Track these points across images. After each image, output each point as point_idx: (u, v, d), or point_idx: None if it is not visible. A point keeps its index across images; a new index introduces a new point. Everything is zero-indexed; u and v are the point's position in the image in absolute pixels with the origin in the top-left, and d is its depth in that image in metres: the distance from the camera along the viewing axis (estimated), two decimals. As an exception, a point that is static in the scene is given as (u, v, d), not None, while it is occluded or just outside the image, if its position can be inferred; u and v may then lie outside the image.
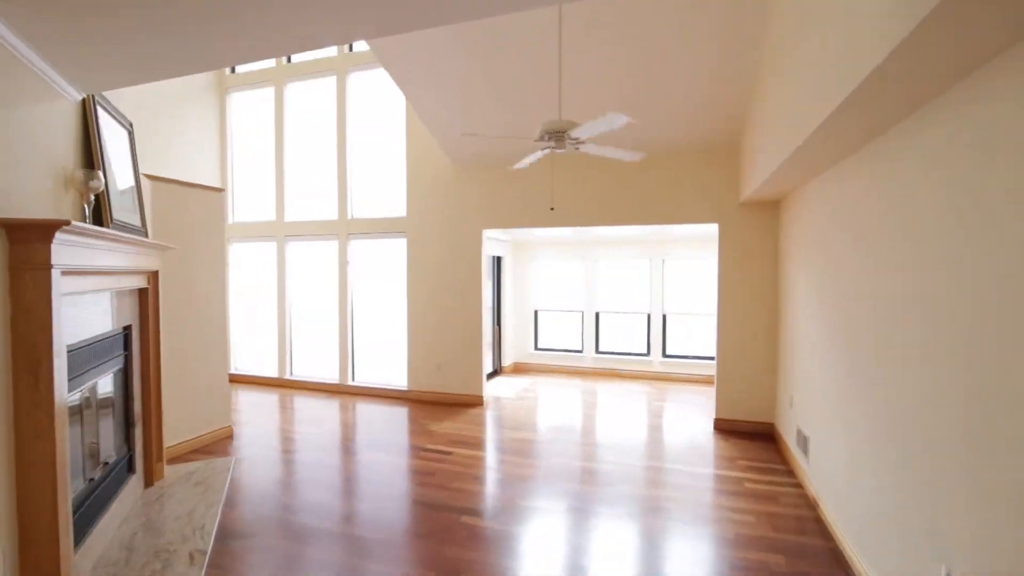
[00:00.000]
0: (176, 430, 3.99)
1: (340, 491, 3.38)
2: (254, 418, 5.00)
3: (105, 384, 2.81)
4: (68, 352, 2.26)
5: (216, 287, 4.33)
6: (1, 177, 1.93)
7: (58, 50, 2.00)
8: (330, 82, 6.10)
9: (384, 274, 6.01)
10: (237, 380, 6.58)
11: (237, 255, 6.65)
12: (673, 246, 6.80)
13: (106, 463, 2.76)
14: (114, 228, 2.60)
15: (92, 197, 2.37)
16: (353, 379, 6.10)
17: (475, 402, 5.47)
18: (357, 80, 5.97)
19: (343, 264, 6.01)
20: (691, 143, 4.56)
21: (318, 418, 5.03)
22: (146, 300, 3.33)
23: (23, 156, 2.05)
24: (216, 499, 3.19)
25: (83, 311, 2.39)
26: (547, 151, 3.13)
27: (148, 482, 3.36)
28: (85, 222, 2.36)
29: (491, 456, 4.02)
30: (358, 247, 6.08)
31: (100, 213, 2.51)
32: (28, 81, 2.08)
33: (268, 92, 6.42)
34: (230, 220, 6.63)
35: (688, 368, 6.68)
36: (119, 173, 2.79)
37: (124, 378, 3.11)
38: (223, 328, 4.40)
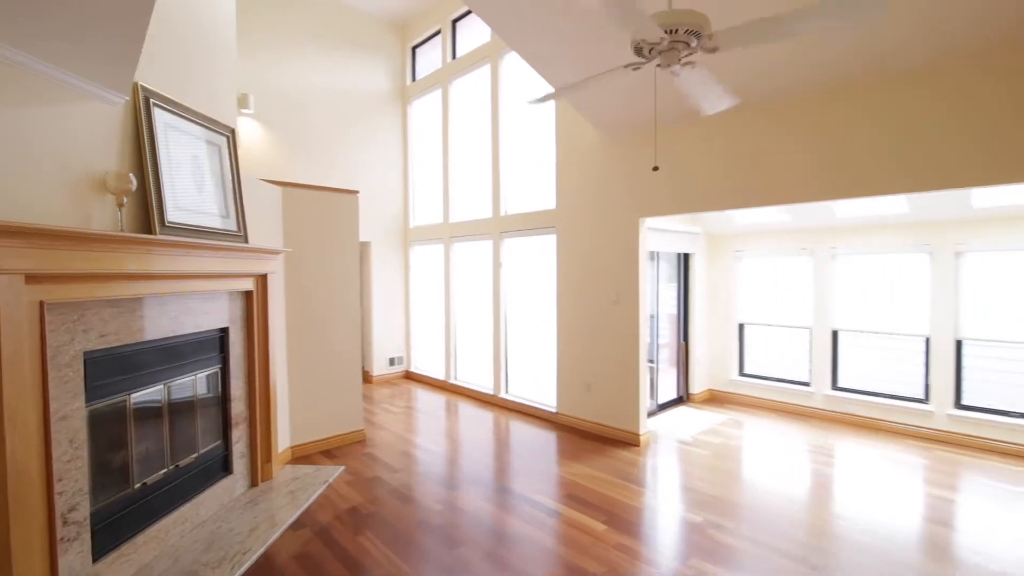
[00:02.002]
0: (304, 430, 4.08)
1: (418, 547, 2.80)
2: (395, 423, 4.91)
3: (184, 386, 2.85)
4: (95, 359, 2.24)
5: (350, 289, 4.32)
6: (20, 180, 1.93)
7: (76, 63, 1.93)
8: (484, 72, 5.71)
9: (536, 276, 5.29)
10: (413, 378, 6.82)
11: (417, 258, 6.89)
12: (975, 229, 4.16)
13: (177, 465, 2.78)
14: (168, 232, 2.55)
15: (124, 199, 2.33)
16: (506, 391, 5.57)
17: (629, 441, 4.26)
18: (509, 65, 5.42)
19: (496, 265, 5.54)
20: (1003, 35, 2.47)
21: (455, 434, 4.63)
22: (251, 303, 3.38)
23: (49, 159, 2.05)
24: (287, 517, 2.99)
25: (120, 315, 2.36)
26: (641, 66, 1.91)
27: (253, 482, 3.41)
28: (120, 225, 2.32)
29: (620, 539, 2.88)
30: (510, 246, 5.52)
31: (150, 217, 2.49)
32: (56, 88, 2.08)
33: (437, 96, 6.44)
34: (411, 224, 6.91)
35: (1001, 431, 3.98)
36: (186, 176, 2.79)
37: (221, 379, 3.18)
38: (355, 330, 4.37)
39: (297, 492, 3.33)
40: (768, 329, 5.43)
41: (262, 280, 3.45)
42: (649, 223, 4.52)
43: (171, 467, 2.74)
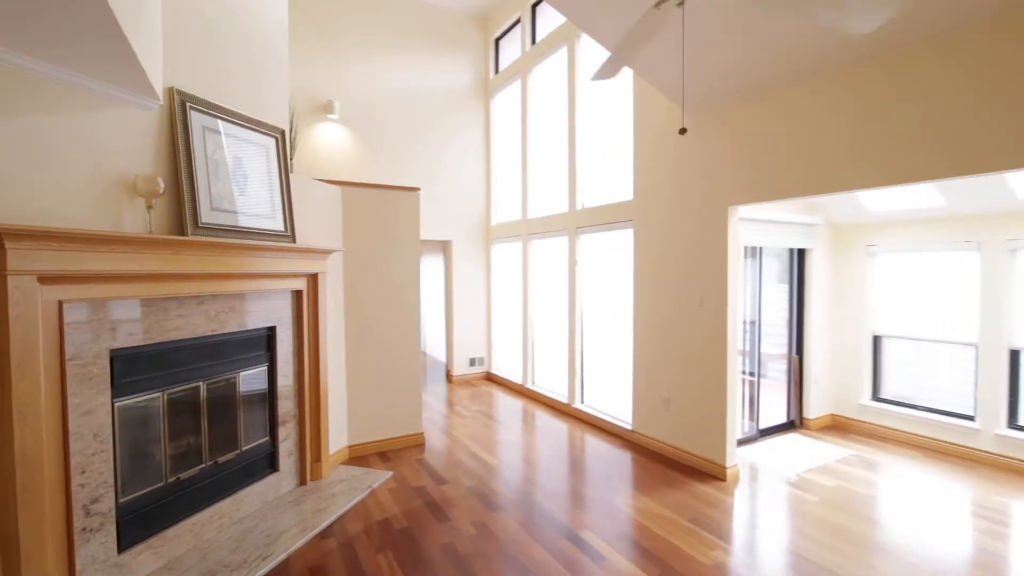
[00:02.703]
0: (361, 431, 4.06)
1: None
2: (460, 428, 4.73)
3: (225, 383, 2.91)
4: (123, 356, 2.32)
5: (410, 289, 4.22)
6: (50, 185, 2.04)
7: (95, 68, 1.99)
8: (561, 56, 5.30)
9: (612, 275, 4.76)
10: (493, 380, 6.63)
11: (498, 257, 6.70)
12: None
13: (216, 462, 2.84)
14: (201, 233, 2.59)
15: (153, 202, 2.38)
16: (581, 401, 5.11)
17: (713, 473, 3.58)
18: (585, 47, 4.94)
19: (571, 264, 5.10)
20: None
21: (518, 445, 4.31)
22: (301, 302, 3.39)
23: (79, 164, 2.15)
24: (319, 523, 2.92)
25: (151, 314, 2.43)
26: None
27: (302, 480, 3.43)
28: (149, 227, 2.38)
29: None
30: (586, 243, 5.04)
31: (183, 218, 2.54)
32: (83, 96, 2.17)
33: (517, 87, 6.15)
34: (493, 221, 6.74)
35: None
36: (226, 177, 2.82)
37: (269, 377, 3.22)
38: (415, 332, 4.26)
39: (339, 496, 3.27)
40: (914, 344, 4.28)
41: (313, 280, 3.46)
42: (744, 212, 3.77)
43: (209, 463, 2.80)
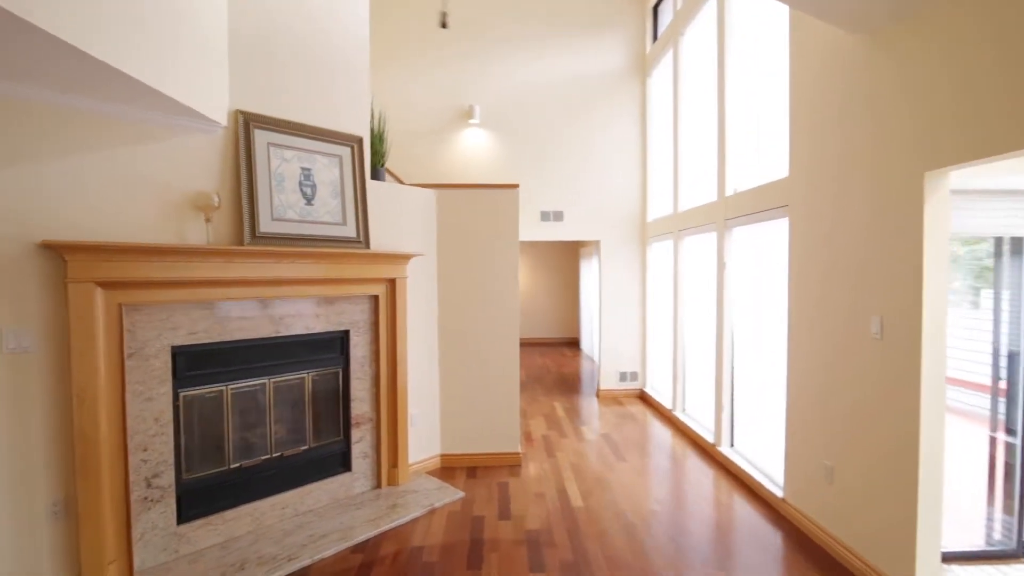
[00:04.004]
0: (454, 441, 3.91)
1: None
2: (572, 455, 4.16)
3: (293, 382, 3.09)
4: (184, 352, 2.63)
5: (507, 295, 3.89)
6: (126, 205, 2.46)
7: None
8: (711, 9, 4.18)
9: (770, 284, 3.51)
10: (647, 401, 5.76)
11: (654, 258, 5.78)
12: None
13: (281, 455, 3.04)
14: (259, 242, 2.79)
15: (211, 216, 2.65)
16: (731, 444, 3.95)
17: (893, 599, 2.24)
18: (739, -25, 3.78)
19: (720, 266, 3.98)
20: None
21: (628, 494, 3.54)
22: (378, 308, 3.42)
23: (150, 186, 2.53)
24: (361, 534, 2.86)
25: (211, 316, 2.71)
26: None
27: (377, 483, 3.46)
28: (208, 238, 2.66)
29: None
30: (739, 239, 3.85)
31: (242, 229, 2.77)
32: (150, 127, 2.55)
33: (669, 60, 5.16)
34: (649, 217, 5.85)
35: None
36: (291, 188, 2.98)
37: (343, 380, 3.32)
38: (513, 343, 3.90)
39: (398, 508, 3.18)
40: None
41: (391, 285, 3.45)
42: (959, 180, 2.27)
43: (274, 455, 3.02)
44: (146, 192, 2.51)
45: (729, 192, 3.88)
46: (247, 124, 2.83)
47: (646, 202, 5.87)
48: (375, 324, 3.43)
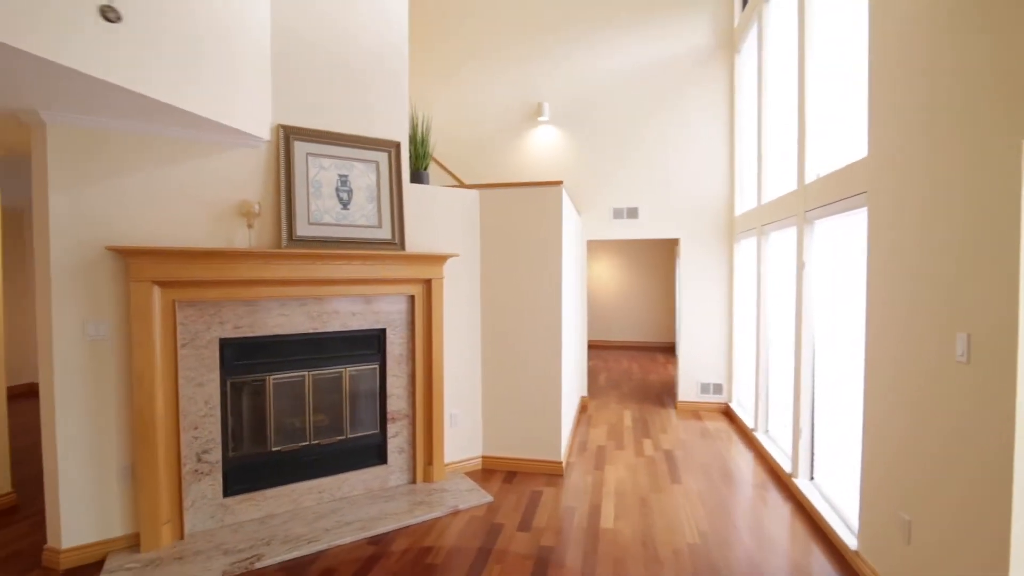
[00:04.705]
0: (495, 443, 3.86)
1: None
2: (621, 470, 3.86)
3: (332, 376, 3.30)
4: (231, 344, 2.95)
5: (550, 296, 3.74)
6: (182, 214, 2.84)
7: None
8: (793, -45, 3.57)
9: (850, 287, 2.89)
10: (732, 418, 5.15)
11: (742, 256, 5.14)
12: None
13: (319, 443, 3.26)
14: (295, 245, 3.02)
15: (252, 222, 2.92)
16: (810, 477, 3.35)
17: None
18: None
19: (799, 266, 3.39)
20: None
21: (667, 524, 3.20)
22: (414, 307, 3.50)
23: (202, 196, 2.88)
24: (381, 527, 2.95)
25: (254, 312, 2.99)
26: None
27: (413, 479, 3.55)
28: (250, 242, 2.95)
29: None
30: (822, 233, 3.23)
31: (280, 233, 3.01)
32: (198, 145, 2.90)
33: (755, 33, 4.52)
34: (737, 211, 5.21)
35: None
36: (327, 194, 3.17)
37: (380, 376, 3.46)
38: (555, 347, 3.74)
39: (424, 505, 3.22)
40: None
41: (426, 285, 3.52)
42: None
43: (312, 443, 3.24)
44: (199, 202, 2.86)
45: (810, 178, 3.28)
46: (287, 137, 3.08)
47: (733, 194, 5.24)
48: (411, 323, 3.52)
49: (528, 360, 3.79)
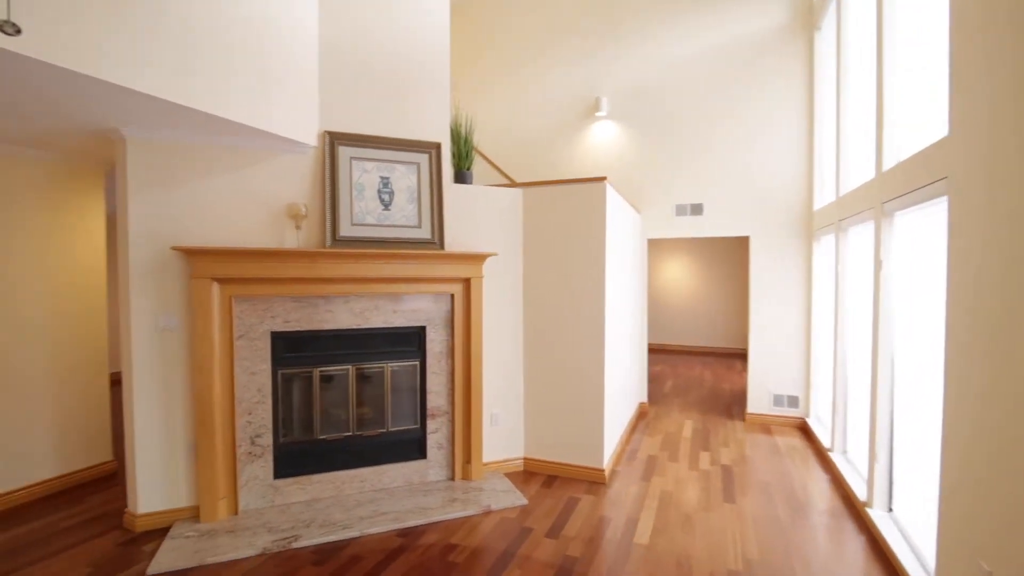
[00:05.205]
0: (537, 445, 3.80)
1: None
2: (669, 483, 3.63)
3: (374, 370, 3.42)
4: (281, 336, 3.17)
5: (593, 295, 3.61)
6: (242, 217, 3.11)
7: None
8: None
9: (932, 294, 2.46)
10: (808, 435, 4.65)
11: (821, 255, 4.61)
12: None
13: (361, 434, 3.40)
14: (339, 245, 3.18)
15: (300, 223, 3.11)
16: (889, 507, 2.91)
17: None
18: None
19: (876, 266, 2.97)
20: None
21: (708, 548, 2.97)
22: (454, 306, 3.54)
23: (258, 200, 3.13)
24: (413, 520, 3.01)
25: (302, 308, 3.19)
26: None
27: (452, 475, 3.59)
28: (298, 243, 3.15)
29: None
30: (902, 228, 2.80)
31: (324, 234, 3.18)
32: (252, 154, 3.15)
33: (835, 5, 4.03)
34: (816, 205, 4.70)
35: None
36: (370, 196, 3.29)
37: (421, 372, 3.54)
38: (598, 349, 3.59)
39: (457, 502, 3.25)
40: None
41: (466, 284, 3.54)
42: None
43: (356, 433, 3.39)
44: (253, 205, 3.11)
45: (889, 164, 2.86)
46: (332, 143, 3.25)
47: (812, 187, 4.72)
48: (451, 322, 3.57)
49: (570, 362, 3.68)
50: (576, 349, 3.66)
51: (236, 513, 3.05)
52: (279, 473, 3.19)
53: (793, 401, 4.88)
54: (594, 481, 3.61)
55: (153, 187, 2.88)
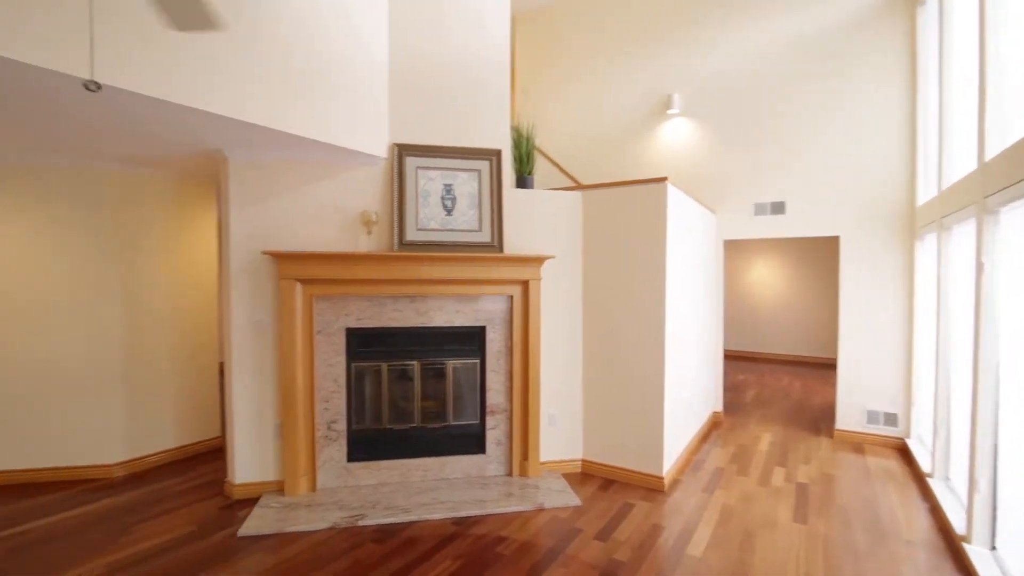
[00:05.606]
0: (595, 448, 3.79)
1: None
2: (735, 498, 3.45)
3: (437, 366, 3.63)
4: (354, 332, 3.47)
5: (654, 298, 3.54)
6: (321, 224, 3.47)
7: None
8: None
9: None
10: (907, 457, 4.17)
11: (925, 257, 4.12)
12: None
13: (424, 426, 3.61)
14: (405, 248, 3.42)
15: (371, 229, 3.38)
16: (992, 544, 2.56)
17: None
18: None
19: (977, 268, 2.62)
20: None
21: (763, 565, 2.82)
22: (512, 307, 3.65)
23: (336, 208, 3.46)
24: (467, 511, 3.17)
25: (372, 306, 3.47)
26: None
27: (509, 471, 3.69)
28: (369, 247, 3.44)
29: None
30: (1006, 225, 2.45)
31: (393, 238, 3.43)
32: (333, 166, 3.48)
33: (943, -36, 3.58)
34: (919, 200, 4.20)
35: None
36: (434, 202, 3.50)
37: (481, 370, 3.69)
38: (658, 353, 3.52)
39: (512, 498, 3.35)
40: None
41: (524, 286, 3.64)
42: None
43: (420, 425, 3.61)
44: (331, 213, 3.45)
45: (992, 153, 2.52)
46: (400, 154, 3.51)
47: (914, 180, 4.22)
48: (510, 322, 3.68)
49: (628, 366, 3.64)
50: (635, 353, 3.61)
51: (314, 490, 3.40)
52: (352, 457, 3.50)
53: (891, 419, 4.39)
54: (652, 488, 3.53)
55: (250, 200, 3.30)
